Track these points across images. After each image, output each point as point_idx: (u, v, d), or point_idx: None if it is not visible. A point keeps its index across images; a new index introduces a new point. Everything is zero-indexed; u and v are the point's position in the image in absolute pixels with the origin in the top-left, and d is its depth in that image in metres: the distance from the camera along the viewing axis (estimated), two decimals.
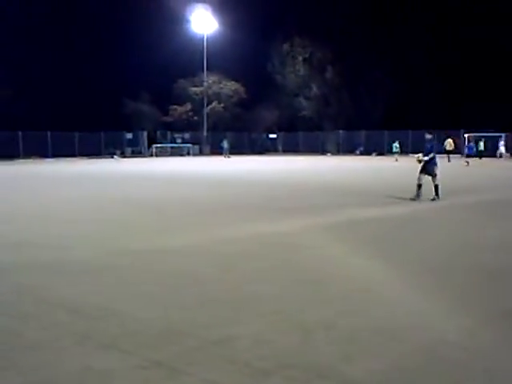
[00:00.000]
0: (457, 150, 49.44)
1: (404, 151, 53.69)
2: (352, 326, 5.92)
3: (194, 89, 78.58)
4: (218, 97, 79.21)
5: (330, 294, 7.17)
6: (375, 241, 10.81)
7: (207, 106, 77.37)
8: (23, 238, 11.22)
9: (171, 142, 73.93)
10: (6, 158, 53.45)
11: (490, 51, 64.76)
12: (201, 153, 73.16)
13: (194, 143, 73.40)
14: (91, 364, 4.96)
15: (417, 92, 67.83)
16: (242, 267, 8.67)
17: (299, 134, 78.04)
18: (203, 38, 75.01)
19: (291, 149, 75.87)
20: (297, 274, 8.16)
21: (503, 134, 55.95)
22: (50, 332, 5.77)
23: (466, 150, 47.05)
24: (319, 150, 72.96)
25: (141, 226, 12.77)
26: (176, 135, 75.66)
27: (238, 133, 76.27)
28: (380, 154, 53.16)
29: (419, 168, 17.43)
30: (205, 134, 76.26)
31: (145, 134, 72.59)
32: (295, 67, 78.10)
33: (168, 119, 78.45)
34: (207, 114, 77.00)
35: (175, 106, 78.57)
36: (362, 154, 68.18)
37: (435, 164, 17.27)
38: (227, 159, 57.35)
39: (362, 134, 71.09)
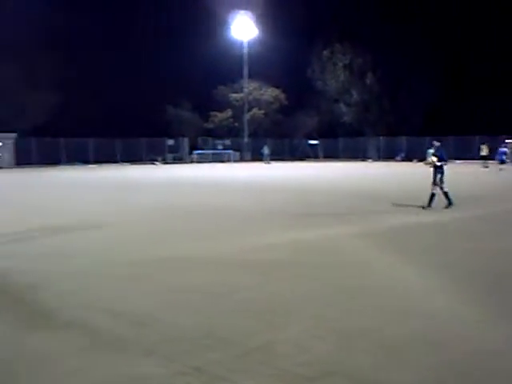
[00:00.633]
0: (491, 156, 48.61)
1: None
2: (391, 335, 5.91)
3: (235, 95, 78.91)
4: (258, 103, 79.37)
5: (368, 302, 7.14)
6: (412, 248, 10.77)
7: (248, 112, 77.63)
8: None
9: (212, 149, 74.24)
10: (49, 165, 54.38)
11: None
12: (241, 159, 73.29)
13: (234, 149, 73.58)
14: (132, 370, 5.04)
15: (457, 97, 67.04)
16: (280, 274, 8.71)
17: (339, 140, 77.71)
18: (243, 44, 75.36)
19: (331, 155, 75.63)
20: (335, 281, 8.19)
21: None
22: (91, 338, 5.89)
23: (498, 156, 46.10)
24: (360, 156, 72.60)
25: (183, 234, 12.93)
26: (217, 141, 75.97)
27: (278, 139, 76.31)
28: (421, 160, 52.69)
29: (432, 177, 17.38)
30: (245, 140, 76.41)
31: (186, 140, 73.01)
32: (335, 73, 77.72)
33: (209, 125, 78.89)
34: (248, 120, 77.18)
35: (216, 113, 78.98)
36: (403, 160, 67.54)
37: (441, 173, 17.18)
38: (268, 165, 57.43)
39: (403, 139, 70.47)
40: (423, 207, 17.03)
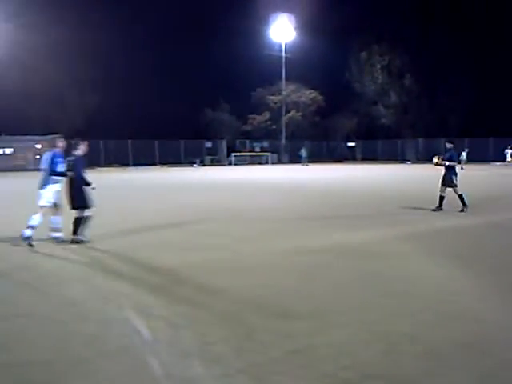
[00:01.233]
0: None
1: (484, 160, 52.67)
2: (436, 339, 5.86)
3: (273, 97, 79.08)
4: (296, 105, 79.40)
5: (413, 306, 7.09)
6: (457, 252, 10.62)
7: (285, 114, 77.68)
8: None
9: (250, 151, 74.50)
10: (88, 167, 54.97)
11: None
12: (279, 161, 73.40)
13: (272, 152, 73.67)
14: (175, 372, 5.10)
15: (497, 98, 66.22)
16: (322, 277, 8.70)
17: (378, 142, 77.42)
18: (281, 46, 75.48)
19: (370, 157, 75.38)
20: (378, 285, 8.15)
21: None
22: (133, 339, 5.97)
23: None
24: (398, 158, 72.19)
25: (225, 235, 13.00)
26: (255, 144, 76.20)
27: (316, 141, 76.25)
28: (459, 162, 52.39)
29: (440, 180, 17.22)
30: (283, 142, 76.48)
31: (224, 142, 73.34)
32: (373, 75, 77.39)
33: (247, 128, 79.17)
34: (285, 122, 77.25)
35: (254, 115, 79.26)
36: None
37: (454, 174, 16.99)
38: (305, 167, 57.37)
39: (442, 141, 69.73)
40: (434, 210, 16.93)
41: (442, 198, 17.03)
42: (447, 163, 16.95)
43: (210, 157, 71.67)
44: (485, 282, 8.39)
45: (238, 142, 75.89)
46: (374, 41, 74.76)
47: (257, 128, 79.00)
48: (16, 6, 55.62)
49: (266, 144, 76.08)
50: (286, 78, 76.96)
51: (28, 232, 11.34)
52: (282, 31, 74.65)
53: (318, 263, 9.77)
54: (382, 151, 76.55)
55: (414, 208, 17.82)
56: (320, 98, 79.87)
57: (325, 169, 53.05)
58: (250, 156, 72.79)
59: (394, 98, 77.12)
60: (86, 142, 12.13)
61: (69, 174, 11.67)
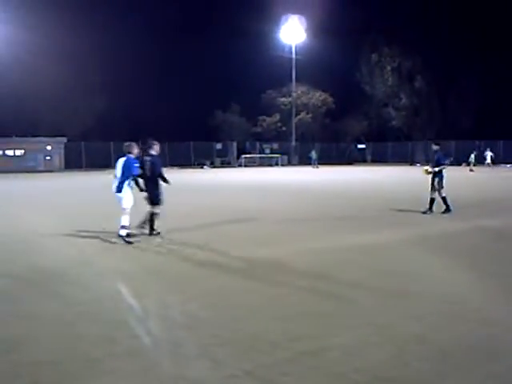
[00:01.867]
0: None
1: (495, 161, 52.46)
2: (445, 342, 5.87)
3: (283, 99, 79.12)
4: (306, 107, 79.38)
5: (423, 308, 7.12)
6: (468, 254, 10.68)
7: (295, 116, 77.68)
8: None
9: (260, 153, 74.49)
10: (99, 168, 55.31)
11: None
12: (289, 163, 73.33)
13: (282, 153, 73.62)
14: (184, 373, 5.14)
15: (508, 100, 66.00)
16: (335, 279, 8.75)
17: (388, 145, 77.26)
18: (292, 48, 75.47)
19: (380, 159, 75.25)
20: (390, 287, 8.19)
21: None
22: (144, 340, 6.04)
23: None
24: (408, 160, 72.03)
25: (241, 237, 13.11)
26: (265, 145, 76.14)
27: (326, 143, 76.17)
28: (468, 164, 52.30)
29: (430, 182, 17.25)
30: (293, 144, 76.43)
31: (234, 144, 73.34)
32: (384, 77, 77.33)
33: (257, 130, 79.22)
34: (295, 124, 77.24)
35: (264, 117, 79.28)
36: (452, 164, 66.57)
37: (441, 177, 17.01)
38: (316, 169, 57.33)
39: (452, 144, 69.52)
40: (424, 212, 16.99)
41: (432, 200, 17.11)
42: (437, 169, 16.98)
43: (219, 158, 71.69)
44: (492, 284, 8.41)
45: (248, 143, 75.87)
46: (384, 43, 74.74)
47: (267, 130, 79.04)
48: (27, 9, 55.96)
49: (276, 146, 76.04)
50: (297, 80, 76.91)
51: (123, 232, 12.24)
52: (293, 33, 74.58)
53: (330, 264, 9.85)
54: (392, 153, 76.42)
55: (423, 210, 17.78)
56: (330, 99, 79.85)
57: (335, 171, 53.03)
58: (260, 158, 72.84)
59: (404, 100, 76.99)
60: (158, 143, 13.17)
61: (146, 173, 12.71)
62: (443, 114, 73.72)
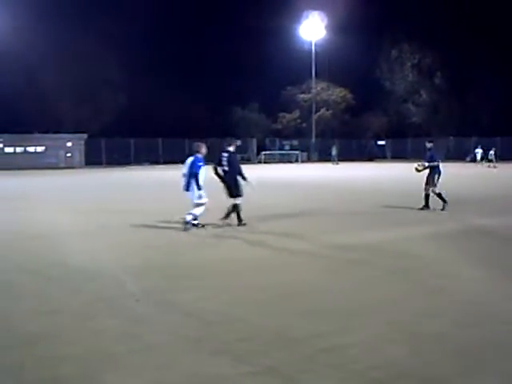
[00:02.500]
0: None
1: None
2: (466, 339, 5.85)
3: (302, 96, 78.97)
4: (326, 103, 79.16)
5: (442, 305, 7.09)
6: (482, 253, 10.58)
7: (315, 112, 77.49)
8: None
9: (279, 149, 74.38)
10: (119, 165, 55.60)
11: None
12: (309, 159, 73.21)
13: (302, 150, 73.43)
14: (203, 369, 5.13)
15: None
16: (353, 275, 8.78)
17: (408, 141, 76.83)
18: (311, 44, 75.28)
19: (400, 155, 74.81)
20: (408, 284, 8.15)
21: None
22: (165, 336, 6.04)
23: None
24: None
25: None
26: (284, 142, 75.98)
27: (346, 139, 75.91)
28: (489, 160, 51.89)
29: (424, 179, 17.33)
30: (313, 140, 76.29)
31: (254, 141, 73.25)
32: (404, 73, 76.99)
33: (277, 126, 79.13)
34: (315, 120, 77.05)
35: (284, 114, 79.18)
36: (472, 161, 66.04)
37: (437, 173, 17.08)
38: (335, 166, 57.23)
39: (472, 140, 68.94)
40: (421, 208, 17.10)
41: (427, 197, 17.18)
42: (427, 164, 17.12)
43: (239, 155, 71.52)
44: (510, 283, 8.35)
45: (267, 140, 75.70)
46: (404, 39, 74.34)
47: (286, 126, 78.96)
48: (49, 7, 56.39)
49: (295, 142, 75.80)
50: (316, 76, 76.78)
51: (189, 217, 13.25)
52: (313, 29, 74.40)
53: (349, 260, 9.88)
54: (412, 150, 75.82)
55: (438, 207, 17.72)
56: (350, 96, 79.58)
57: (354, 167, 52.88)
58: (280, 154, 72.67)
59: (424, 96, 76.59)
60: (235, 141, 15.09)
61: (224, 168, 13.88)
62: (463, 110, 73.16)
